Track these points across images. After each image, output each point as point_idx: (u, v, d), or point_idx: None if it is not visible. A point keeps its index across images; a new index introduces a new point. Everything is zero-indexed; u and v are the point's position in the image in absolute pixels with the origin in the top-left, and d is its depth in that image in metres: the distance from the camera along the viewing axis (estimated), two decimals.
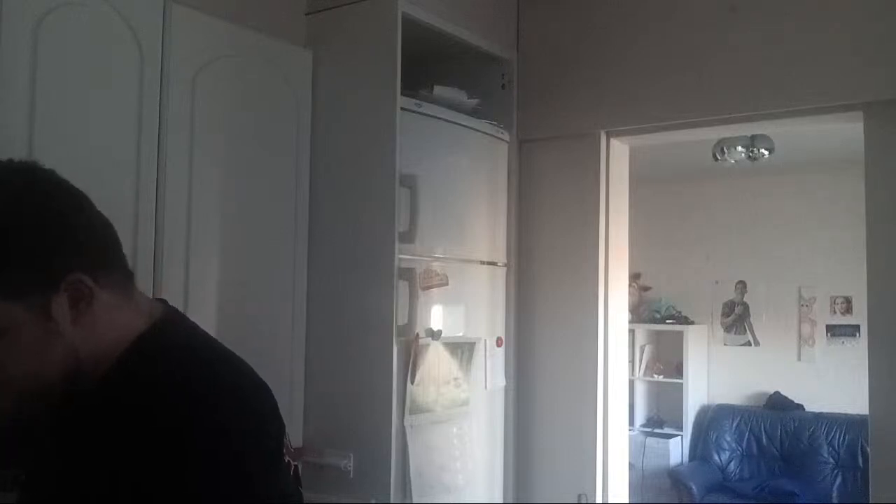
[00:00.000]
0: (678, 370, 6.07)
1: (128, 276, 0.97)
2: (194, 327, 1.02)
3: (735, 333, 6.15)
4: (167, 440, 0.82)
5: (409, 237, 2.18)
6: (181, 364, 0.92)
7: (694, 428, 6.06)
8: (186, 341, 0.98)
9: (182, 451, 0.82)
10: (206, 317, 1.89)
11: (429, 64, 2.43)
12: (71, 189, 0.94)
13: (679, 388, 6.05)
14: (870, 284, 2.15)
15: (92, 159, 1.66)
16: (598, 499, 2.50)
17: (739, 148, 4.57)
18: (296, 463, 1.00)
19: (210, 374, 0.92)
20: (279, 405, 1.02)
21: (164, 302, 1.04)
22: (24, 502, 0.94)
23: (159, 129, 1.79)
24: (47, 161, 1.55)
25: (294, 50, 2.21)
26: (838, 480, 5.33)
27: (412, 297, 2.18)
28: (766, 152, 4.61)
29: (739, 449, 5.81)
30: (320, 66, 2.24)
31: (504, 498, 2.55)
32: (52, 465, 0.93)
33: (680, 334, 6.06)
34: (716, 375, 6.19)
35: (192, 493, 0.82)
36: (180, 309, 1.83)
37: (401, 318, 2.13)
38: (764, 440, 5.73)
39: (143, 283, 1.73)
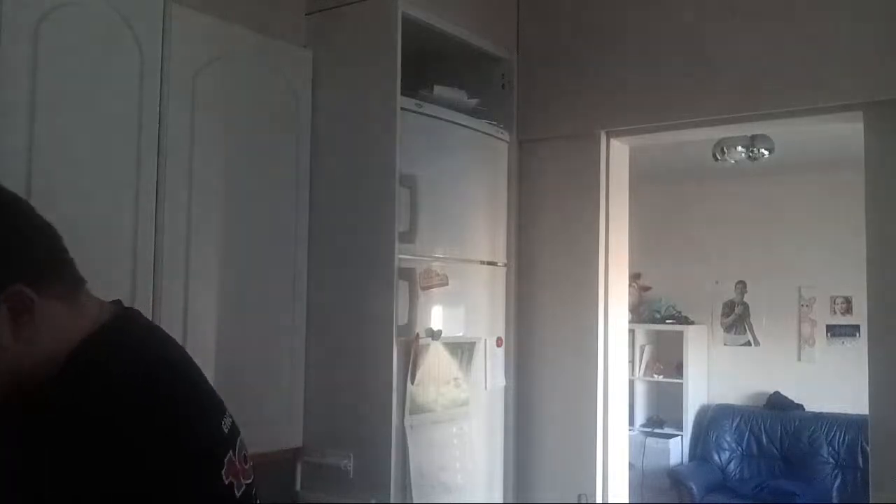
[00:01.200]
0: (678, 370, 6.07)
1: (75, 282, 0.95)
2: (143, 328, 1.00)
3: (735, 333, 6.15)
4: (77, 437, 0.82)
5: (409, 237, 2.18)
6: (106, 365, 0.90)
7: (694, 428, 6.06)
8: (119, 343, 0.94)
9: (85, 447, 0.82)
10: (206, 316, 1.89)
11: (429, 64, 2.43)
12: (7, 199, 0.92)
13: (679, 388, 6.05)
14: (870, 284, 2.15)
15: (92, 159, 1.66)
16: (598, 499, 2.50)
17: (739, 148, 4.57)
18: (248, 481, 0.95)
19: (132, 374, 0.89)
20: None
21: (117, 304, 1.01)
22: None
23: (159, 129, 1.79)
24: (48, 161, 1.56)
25: (294, 50, 2.21)
26: (838, 480, 5.33)
27: (412, 297, 2.18)
28: (766, 152, 4.61)
29: (739, 449, 5.81)
30: (320, 66, 2.24)
31: (504, 498, 2.55)
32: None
33: (680, 334, 6.06)
34: (716, 375, 6.19)
35: (88, 486, 0.81)
36: (180, 308, 1.85)
37: (401, 318, 2.13)
38: (764, 440, 5.73)
39: (144, 283, 1.74)
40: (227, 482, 0.91)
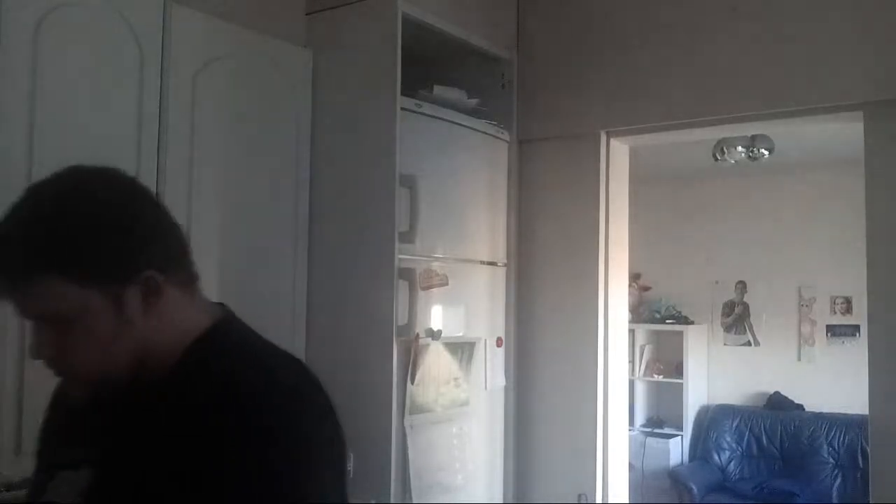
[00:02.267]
0: (678, 370, 6.06)
1: (193, 278, 1.01)
2: (251, 330, 1.05)
3: (735, 333, 6.15)
4: (215, 435, 0.86)
5: (409, 237, 2.18)
6: (238, 363, 0.96)
7: (694, 428, 6.06)
8: (245, 342, 1.01)
9: (225, 447, 0.85)
10: None
11: (429, 64, 2.43)
12: (148, 193, 1.01)
13: (679, 388, 6.04)
14: (870, 284, 2.15)
15: (92, 159, 1.66)
16: (598, 499, 2.50)
17: (739, 148, 4.57)
18: None
19: (264, 375, 0.94)
20: None
21: (223, 305, 1.07)
22: (93, 485, 0.96)
23: (159, 128, 1.79)
24: (48, 160, 1.56)
25: (294, 50, 2.21)
26: (838, 480, 5.32)
27: (412, 297, 2.18)
28: (766, 152, 4.60)
29: (739, 449, 5.81)
30: (320, 66, 2.24)
31: (504, 498, 2.55)
32: (118, 450, 0.96)
33: (680, 334, 6.06)
34: (716, 375, 6.18)
35: (229, 488, 0.85)
36: None
37: (401, 318, 2.13)
38: (764, 440, 5.73)
39: None
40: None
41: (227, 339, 1.00)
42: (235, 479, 0.85)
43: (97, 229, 0.91)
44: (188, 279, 1.00)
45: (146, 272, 0.92)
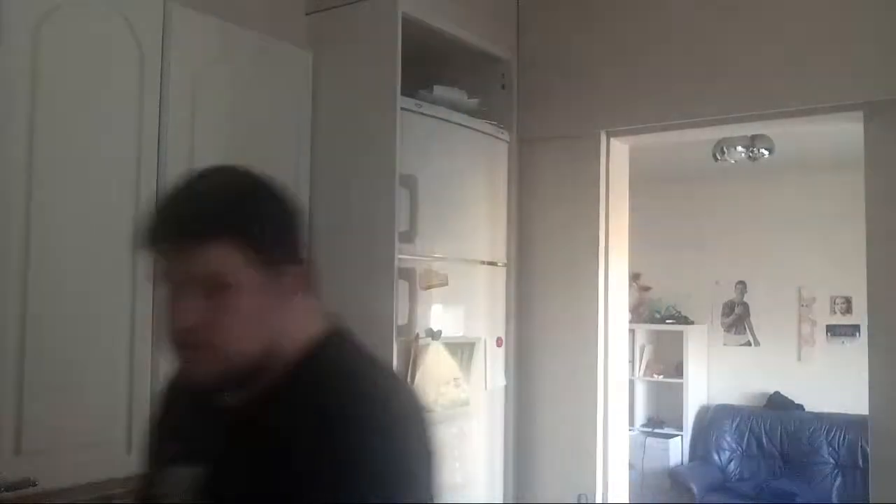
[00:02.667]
0: (678, 370, 6.06)
1: (310, 280, 1.05)
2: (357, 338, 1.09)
3: (735, 333, 6.15)
4: (333, 435, 0.89)
5: (409, 237, 2.18)
6: (363, 369, 1.01)
7: (694, 428, 6.06)
8: (363, 350, 1.05)
9: (343, 447, 0.89)
10: None
11: (429, 64, 2.42)
12: (283, 188, 1.03)
13: (679, 388, 6.04)
14: (870, 284, 2.15)
15: (92, 159, 1.66)
16: (598, 499, 2.50)
17: (739, 148, 4.57)
18: None
19: (385, 383, 1.02)
20: None
21: (335, 314, 1.11)
22: (209, 480, 0.98)
23: (159, 128, 1.79)
24: (48, 160, 1.56)
25: (294, 50, 2.20)
26: (838, 480, 5.32)
27: (412, 297, 2.18)
28: (766, 152, 4.60)
29: (739, 449, 5.81)
30: (320, 66, 2.24)
31: (504, 498, 2.55)
32: (234, 447, 0.98)
33: (680, 334, 6.06)
34: (716, 375, 6.18)
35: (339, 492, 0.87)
36: None
37: (401, 318, 2.13)
38: (764, 440, 5.73)
39: (143, 283, 1.73)
40: None
41: (346, 344, 1.04)
42: (356, 481, 0.88)
43: (276, 214, 0.98)
44: (316, 282, 1.04)
45: (298, 268, 0.99)
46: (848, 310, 5.65)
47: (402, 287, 2.13)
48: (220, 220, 0.93)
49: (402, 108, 2.14)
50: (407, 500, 0.90)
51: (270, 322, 0.96)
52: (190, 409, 1.06)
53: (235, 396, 0.99)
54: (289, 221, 1.00)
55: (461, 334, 2.39)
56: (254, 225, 0.95)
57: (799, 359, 5.88)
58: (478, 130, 2.48)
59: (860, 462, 5.17)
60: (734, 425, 5.86)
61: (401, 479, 0.90)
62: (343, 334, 1.05)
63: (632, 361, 6.15)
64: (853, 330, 5.57)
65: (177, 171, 1.83)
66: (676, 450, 6.01)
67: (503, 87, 2.66)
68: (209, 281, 0.92)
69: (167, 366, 1.77)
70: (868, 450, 2.25)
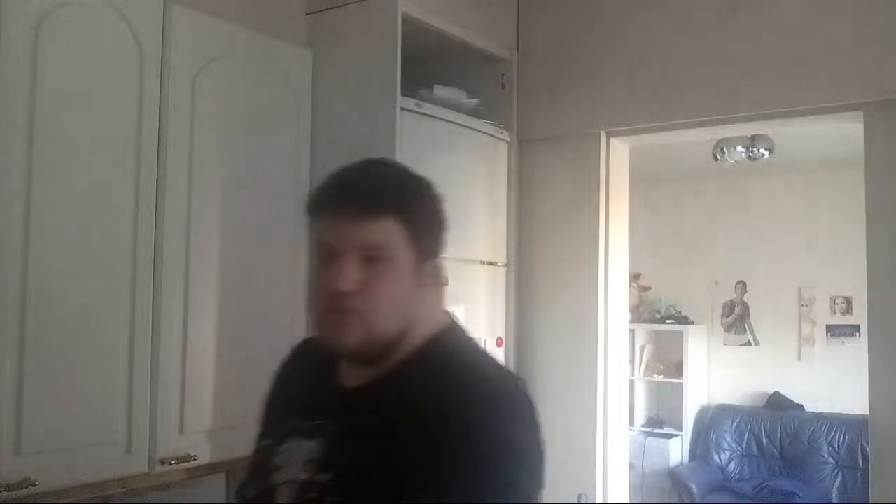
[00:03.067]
0: (678, 370, 6.06)
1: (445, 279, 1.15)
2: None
3: (735, 333, 6.15)
4: (443, 425, 0.94)
5: None
6: (483, 357, 1.10)
7: (694, 428, 6.06)
8: (476, 347, 1.14)
9: (450, 441, 0.93)
10: (206, 316, 1.89)
11: (429, 64, 2.42)
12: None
13: (679, 388, 6.04)
14: (870, 284, 2.15)
15: (92, 159, 1.66)
16: (598, 499, 2.50)
17: (739, 148, 4.57)
18: None
19: (497, 380, 1.06)
20: None
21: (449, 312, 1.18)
22: (328, 455, 1.03)
23: (159, 128, 1.78)
24: (48, 160, 1.56)
25: (294, 50, 2.20)
26: (838, 480, 5.32)
27: None
28: (766, 152, 4.61)
29: (739, 449, 5.81)
30: (320, 66, 2.24)
31: None
32: (354, 424, 1.04)
33: (680, 334, 6.06)
34: (716, 375, 6.18)
35: (446, 483, 0.92)
36: (179, 310, 1.85)
37: None
38: (764, 440, 5.73)
39: (143, 282, 1.73)
40: None
41: (462, 340, 1.11)
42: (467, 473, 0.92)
43: (435, 209, 1.10)
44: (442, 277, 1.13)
45: (437, 261, 1.10)
46: (848, 310, 5.65)
47: None
48: (393, 198, 1.04)
49: (402, 108, 2.14)
50: (539, 478, 0.97)
51: (410, 303, 1.05)
52: (310, 384, 1.13)
53: (361, 371, 1.06)
54: (442, 218, 1.10)
55: None
56: (419, 211, 1.06)
57: (799, 359, 5.88)
58: (478, 130, 2.48)
59: (860, 462, 5.18)
60: (734, 425, 5.86)
61: (533, 456, 0.97)
62: (461, 328, 1.13)
63: (632, 361, 6.15)
64: (853, 330, 5.57)
65: (177, 170, 1.84)
66: (676, 450, 6.01)
67: (503, 87, 2.66)
68: (371, 251, 1.01)
69: (168, 365, 1.78)
70: (868, 450, 2.24)
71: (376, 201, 1.02)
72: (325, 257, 1.03)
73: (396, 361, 1.04)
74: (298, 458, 1.04)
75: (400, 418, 0.99)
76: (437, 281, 1.10)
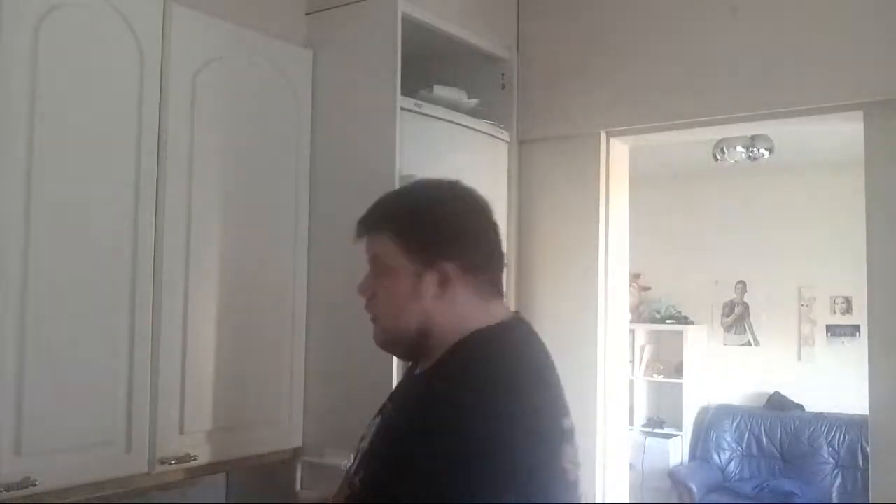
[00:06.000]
0: (678, 370, 6.07)
1: (492, 287, 1.23)
2: (524, 340, 1.23)
3: (735, 333, 6.15)
4: (421, 422, 1.06)
5: None
6: (466, 364, 1.14)
7: (694, 428, 6.06)
8: (492, 347, 1.17)
9: (420, 437, 1.05)
10: (206, 317, 1.89)
11: (429, 64, 2.42)
12: (473, 203, 1.26)
13: (679, 388, 6.05)
14: (870, 284, 2.15)
15: (92, 159, 1.66)
16: (598, 499, 2.50)
17: (739, 148, 4.58)
18: (576, 478, 1.14)
19: (480, 380, 1.10)
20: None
21: (516, 315, 1.28)
22: (375, 433, 1.21)
23: (159, 128, 1.79)
24: (48, 159, 1.56)
25: (294, 50, 2.20)
26: (838, 480, 5.33)
27: None
28: (766, 152, 4.61)
29: (739, 449, 5.82)
30: (320, 66, 2.24)
31: None
32: (391, 410, 1.24)
33: (680, 334, 6.06)
34: (716, 375, 6.19)
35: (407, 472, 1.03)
36: (180, 307, 1.85)
37: None
38: (764, 440, 5.73)
39: (143, 282, 1.74)
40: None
41: (478, 342, 1.16)
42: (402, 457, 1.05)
43: (419, 221, 1.22)
44: (487, 286, 1.22)
45: (442, 264, 1.18)
46: (848, 310, 5.66)
47: None
48: (385, 214, 1.24)
49: (402, 108, 2.13)
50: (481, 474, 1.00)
51: (416, 307, 1.19)
52: (405, 373, 1.36)
53: (421, 366, 1.23)
54: (436, 228, 1.21)
55: None
56: (408, 224, 1.21)
57: (799, 359, 5.88)
58: (478, 130, 2.48)
59: (860, 462, 5.18)
60: (734, 425, 5.86)
61: (464, 454, 1.01)
62: (486, 333, 1.17)
63: (632, 361, 6.16)
64: (853, 330, 5.58)
65: (177, 170, 1.84)
66: (676, 450, 6.01)
67: (503, 87, 2.66)
68: (376, 262, 1.24)
69: (168, 364, 1.78)
70: (868, 450, 2.24)
71: (372, 219, 1.25)
72: None
73: (434, 360, 1.18)
74: (369, 430, 1.24)
75: (399, 408, 1.19)
76: (445, 283, 1.18)
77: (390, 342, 1.24)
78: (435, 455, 1.01)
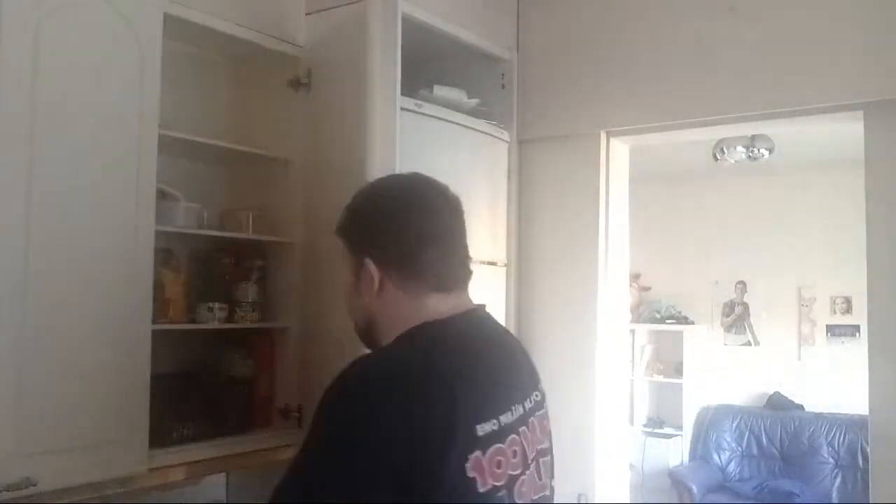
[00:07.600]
0: (678, 370, 6.07)
1: (426, 286, 1.19)
2: (442, 341, 1.15)
3: (735, 333, 6.15)
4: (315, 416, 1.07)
5: None
6: (367, 360, 1.12)
7: (694, 428, 6.06)
8: (414, 342, 1.14)
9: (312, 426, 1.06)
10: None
11: (429, 64, 2.42)
12: (415, 199, 1.25)
13: (679, 388, 6.05)
14: (870, 284, 2.15)
15: (92, 158, 1.66)
16: (598, 499, 2.50)
17: (739, 148, 4.58)
18: (497, 483, 1.07)
19: (373, 374, 1.07)
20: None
21: (468, 310, 1.24)
22: None
23: (159, 128, 1.78)
24: (47, 159, 1.56)
25: (294, 50, 2.20)
26: (838, 480, 5.33)
27: None
28: (766, 152, 4.61)
29: (739, 449, 5.81)
30: (320, 66, 2.24)
31: None
32: None
33: (680, 334, 6.06)
34: (716, 375, 6.19)
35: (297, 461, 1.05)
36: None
37: None
38: (764, 440, 5.73)
39: (144, 282, 1.73)
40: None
41: (406, 338, 1.14)
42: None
43: (353, 220, 1.26)
44: (416, 286, 1.18)
45: (366, 260, 1.19)
46: (848, 310, 5.66)
47: None
48: (340, 217, 1.27)
49: (402, 108, 2.13)
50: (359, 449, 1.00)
51: (360, 302, 1.22)
52: None
53: None
54: (363, 226, 1.24)
55: None
56: (349, 223, 1.26)
57: (799, 359, 5.88)
58: (478, 130, 2.48)
59: (860, 462, 5.18)
60: (734, 425, 5.86)
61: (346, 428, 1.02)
62: (417, 330, 1.15)
63: (632, 361, 6.16)
64: (853, 330, 5.58)
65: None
66: (676, 450, 6.01)
67: (503, 87, 2.66)
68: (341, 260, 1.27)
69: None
70: (868, 450, 2.24)
71: (337, 226, 1.28)
72: None
73: None
74: None
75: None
76: (379, 286, 1.19)
77: (358, 335, 1.28)
78: (307, 441, 1.05)
